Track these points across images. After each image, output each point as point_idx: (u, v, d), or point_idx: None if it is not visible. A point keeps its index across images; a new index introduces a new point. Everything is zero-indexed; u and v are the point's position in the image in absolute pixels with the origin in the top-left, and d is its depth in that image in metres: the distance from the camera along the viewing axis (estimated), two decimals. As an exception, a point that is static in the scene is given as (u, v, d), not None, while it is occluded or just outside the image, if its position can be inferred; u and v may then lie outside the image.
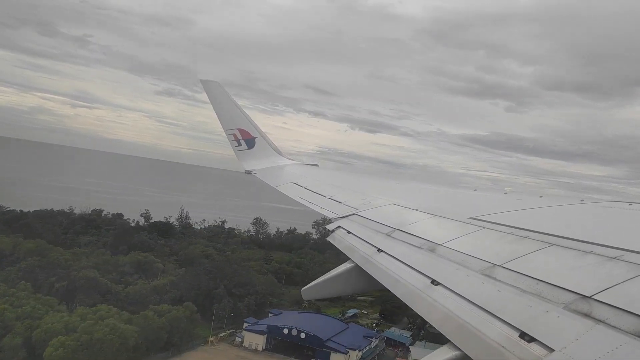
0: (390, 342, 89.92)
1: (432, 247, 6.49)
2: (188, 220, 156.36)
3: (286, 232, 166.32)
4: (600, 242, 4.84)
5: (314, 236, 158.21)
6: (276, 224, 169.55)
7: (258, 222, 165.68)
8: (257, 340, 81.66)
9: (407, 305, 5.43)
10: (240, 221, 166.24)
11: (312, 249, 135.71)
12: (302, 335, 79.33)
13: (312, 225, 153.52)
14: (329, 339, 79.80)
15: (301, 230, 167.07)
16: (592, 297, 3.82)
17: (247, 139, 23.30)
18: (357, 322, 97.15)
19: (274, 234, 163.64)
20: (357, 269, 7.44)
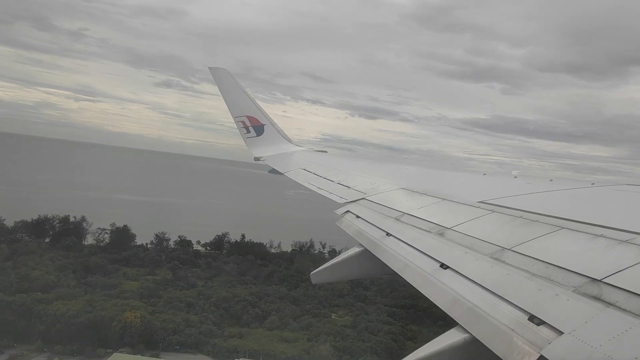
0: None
1: (441, 231, 6.47)
2: None
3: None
4: (610, 226, 4.79)
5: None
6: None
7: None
8: None
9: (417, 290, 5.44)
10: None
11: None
12: None
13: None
14: None
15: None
16: (602, 280, 3.79)
17: (255, 126, 23.32)
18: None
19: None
20: (366, 253, 7.44)
